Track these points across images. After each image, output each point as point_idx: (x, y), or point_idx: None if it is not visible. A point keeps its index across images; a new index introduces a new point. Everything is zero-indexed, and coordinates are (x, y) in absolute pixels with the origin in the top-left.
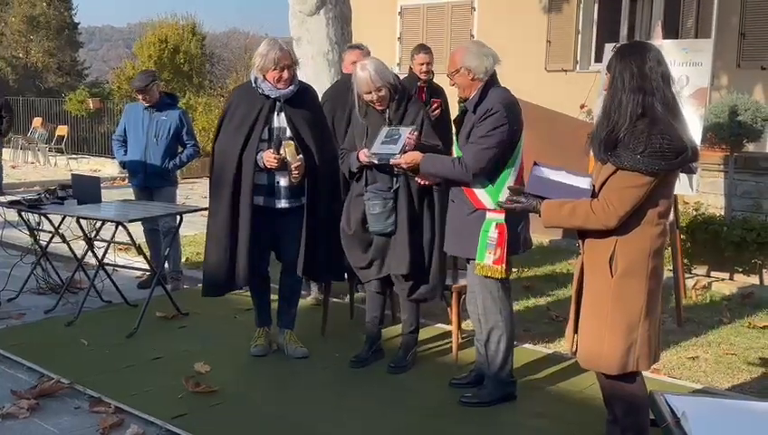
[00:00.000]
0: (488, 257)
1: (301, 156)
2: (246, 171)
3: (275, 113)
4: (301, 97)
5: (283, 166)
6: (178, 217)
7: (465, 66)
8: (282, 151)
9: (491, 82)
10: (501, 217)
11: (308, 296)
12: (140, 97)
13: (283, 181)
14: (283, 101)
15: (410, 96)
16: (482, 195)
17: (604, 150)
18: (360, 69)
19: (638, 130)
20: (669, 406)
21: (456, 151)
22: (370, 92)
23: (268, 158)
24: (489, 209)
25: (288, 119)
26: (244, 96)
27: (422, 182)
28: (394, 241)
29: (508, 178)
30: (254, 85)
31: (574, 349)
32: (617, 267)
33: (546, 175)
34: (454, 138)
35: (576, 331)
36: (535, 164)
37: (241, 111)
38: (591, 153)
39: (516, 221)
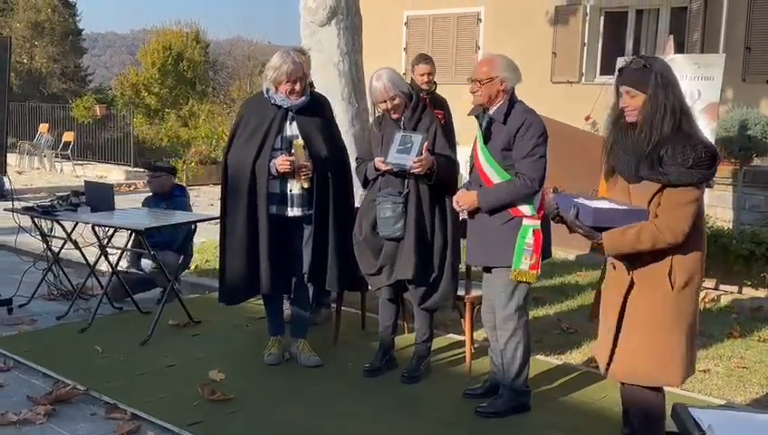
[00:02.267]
0: (524, 263)
1: (309, 163)
2: (261, 180)
3: (288, 122)
4: (313, 107)
5: (295, 171)
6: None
7: (502, 76)
8: (292, 152)
9: (514, 94)
10: (537, 223)
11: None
12: None
13: (295, 190)
14: (295, 111)
15: (425, 106)
16: (519, 203)
17: (649, 168)
18: (375, 79)
19: (680, 143)
20: (694, 419)
21: (486, 161)
22: (385, 101)
23: (281, 162)
24: (526, 216)
25: (300, 128)
26: (255, 107)
27: (461, 210)
28: (402, 246)
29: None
30: (266, 96)
31: (606, 365)
32: (675, 280)
33: (593, 204)
34: (479, 146)
35: (612, 348)
36: (555, 191)
37: (253, 121)
38: (607, 174)
39: (547, 229)
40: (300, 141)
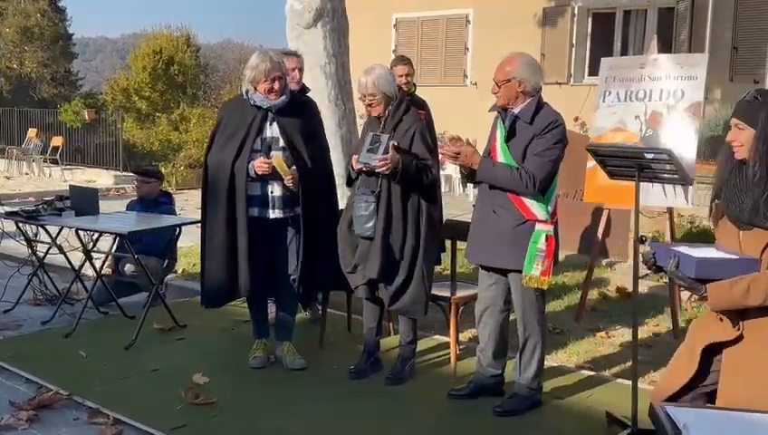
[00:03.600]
0: (536, 269)
1: (294, 168)
2: (240, 182)
3: (268, 123)
4: (293, 107)
5: (276, 172)
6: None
7: (519, 78)
8: (271, 155)
9: (540, 96)
10: (551, 228)
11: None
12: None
13: (276, 191)
14: (275, 112)
15: (408, 108)
16: (534, 206)
17: (762, 214)
18: (365, 72)
19: None
20: (670, 418)
21: (505, 158)
22: (364, 96)
23: (259, 164)
24: (540, 220)
25: (281, 128)
26: (235, 108)
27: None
28: (371, 245)
29: (554, 192)
30: (245, 97)
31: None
32: None
33: (696, 254)
34: (499, 144)
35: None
36: (642, 241)
37: (233, 122)
38: (715, 217)
39: (557, 234)
40: (278, 156)
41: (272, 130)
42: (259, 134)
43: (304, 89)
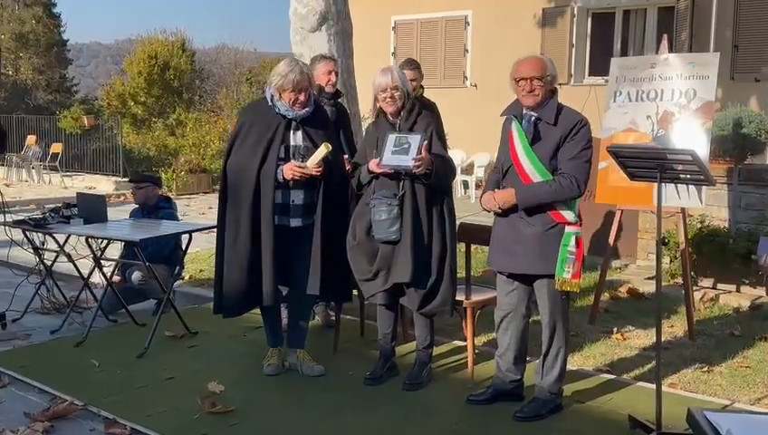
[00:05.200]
0: (567, 272)
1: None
2: (266, 189)
3: (291, 132)
4: (315, 116)
5: (306, 182)
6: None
7: (551, 75)
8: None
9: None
10: (579, 230)
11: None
12: None
13: (297, 200)
14: (300, 120)
15: (421, 109)
16: (563, 209)
17: None
18: (383, 71)
19: None
20: (711, 423)
21: (531, 161)
22: (386, 90)
23: (290, 167)
24: (569, 223)
25: (306, 137)
26: (258, 114)
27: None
28: (398, 249)
29: None
30: (270, 103)
31: None
32: None
33: None
34: (522, 147)
35: None
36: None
37: (256, 128)
38: None
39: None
40: (328, 145)
41: (296, 139)
42: (283, 142)
43: (338, 93)
